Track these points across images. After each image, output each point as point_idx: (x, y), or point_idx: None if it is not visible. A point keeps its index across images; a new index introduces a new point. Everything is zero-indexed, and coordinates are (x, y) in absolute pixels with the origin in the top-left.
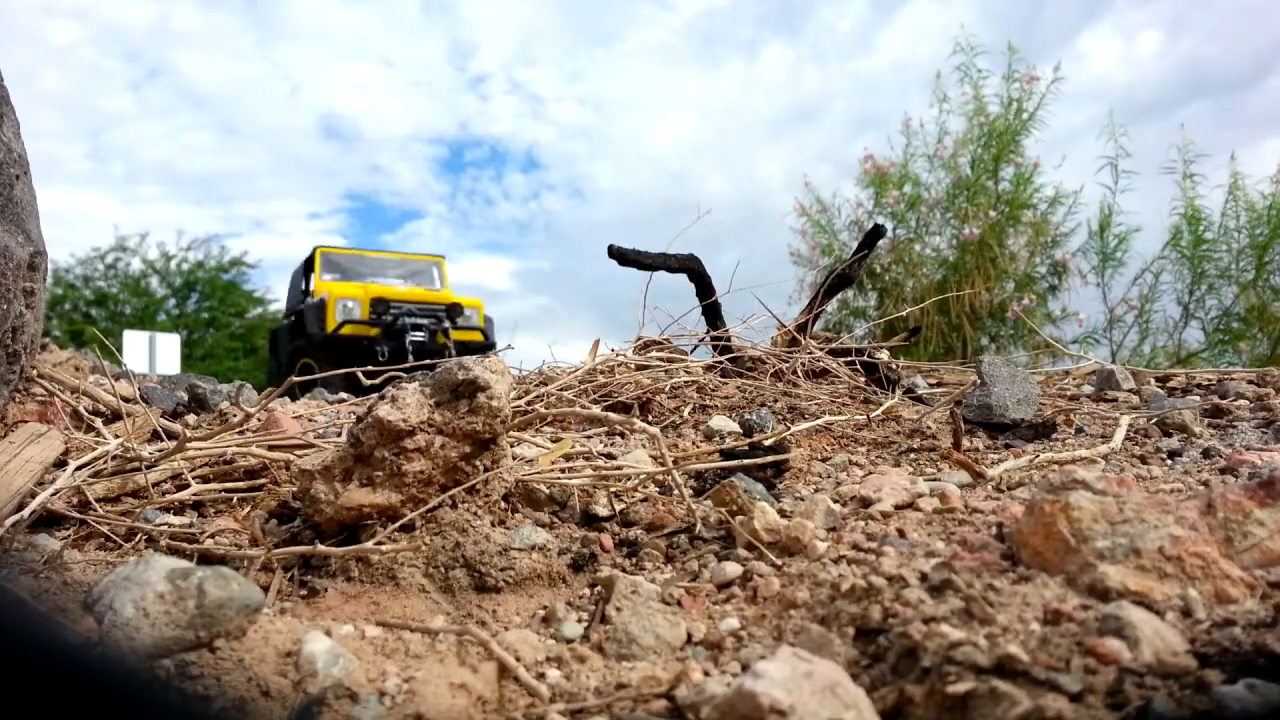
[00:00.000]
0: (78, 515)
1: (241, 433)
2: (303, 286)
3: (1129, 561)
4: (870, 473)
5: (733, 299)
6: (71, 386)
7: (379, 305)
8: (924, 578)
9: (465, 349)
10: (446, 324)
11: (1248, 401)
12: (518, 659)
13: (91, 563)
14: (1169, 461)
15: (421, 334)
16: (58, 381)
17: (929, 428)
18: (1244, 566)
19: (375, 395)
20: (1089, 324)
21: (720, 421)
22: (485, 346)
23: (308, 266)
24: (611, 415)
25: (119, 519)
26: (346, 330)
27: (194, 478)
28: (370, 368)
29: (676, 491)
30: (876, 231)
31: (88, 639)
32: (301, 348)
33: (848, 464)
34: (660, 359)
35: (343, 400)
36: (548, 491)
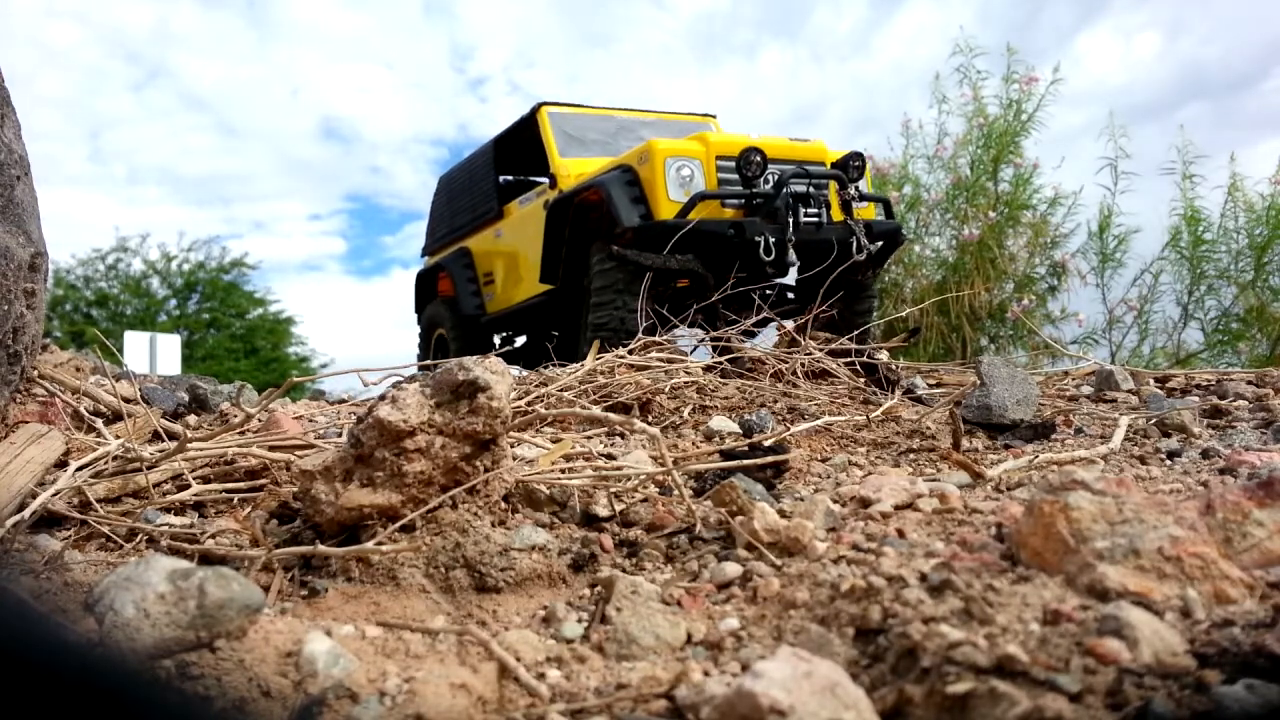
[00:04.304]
0: (78, 516)
1: (242, 433)
2: (494, 181)
3: (1128, 562)
4: (870, 473)
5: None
6: (72, 387)
7: (749, 163)
8: (924, 578)
9: (871, 234)
10: (852, 190)
11: (1247, 402)
12: (518, 659)
13: (92, 563)
14: (1168, 462)
15: (815, 210)
16: (59, 382)
17: (928, 428)
18: (1243, 567)
19: (375, 396)
20: (1088, 324)
21: (720, 422)
22: (893, 233)
23: (510, 141)
24: (611, 416)
25: (120, 519)
26: (700, 211)
27: (195, 478)
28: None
29: (676, 492)
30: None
31: (88, 639)
32: (608, 254)
33: (847, 464)
34: (660, 359)
35: (344, 401)
36: (548, 492)
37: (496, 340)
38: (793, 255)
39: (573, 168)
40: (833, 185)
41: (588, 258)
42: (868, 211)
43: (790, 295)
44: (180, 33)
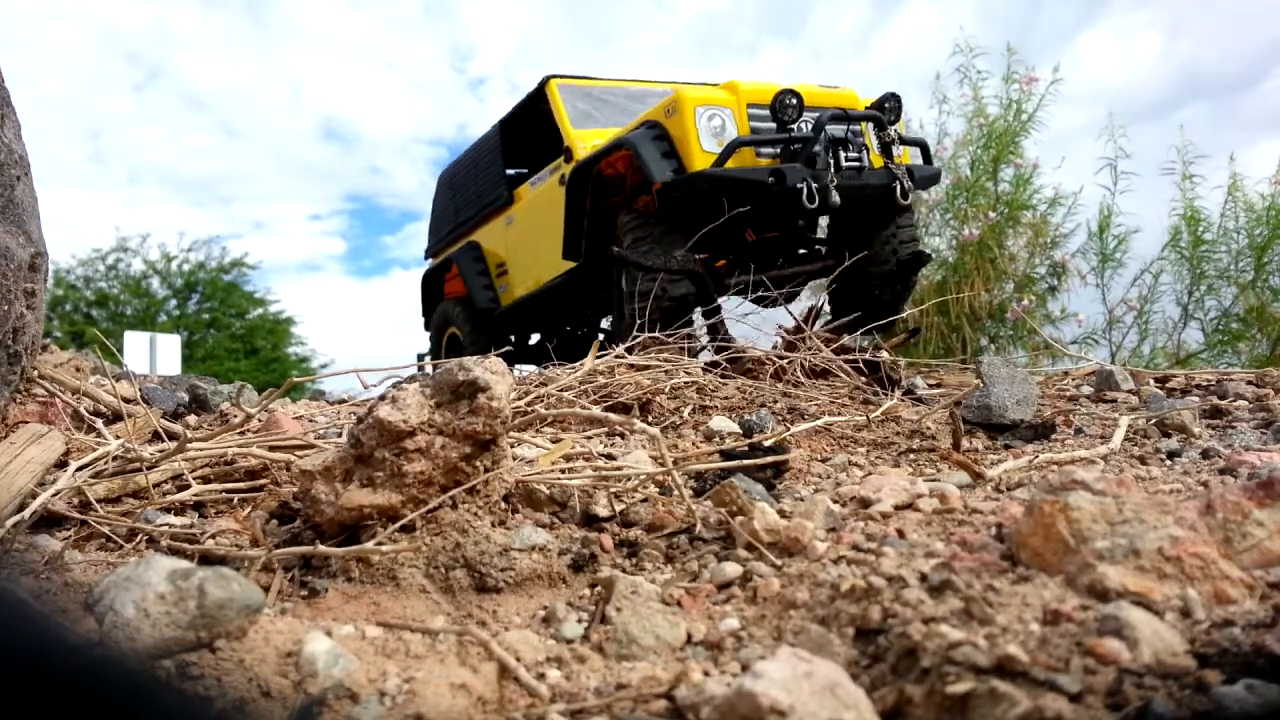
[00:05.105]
0: (79, 516)
1: (242, 433)
2: (502, 167)
3: (1128, 562)
4: (870, 473)
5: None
6: (72, 387)
7: (785, 106)
8: (924, 578)
9: (913, 179)
10: (891, 132)
11: (1247, 402)
12: (518, 659)
13: (92, 563)
14: (1168, 462)
15: (855, 154)
16: (59, 382)
17: (929, 428)
18: (1243, 567)
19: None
20: (1088, 324)
21: (720, 422)
22: (932, 179)
23: (517, 122)
24: (611, 416)
25: (120, 519)
26: (735, 161)
27: (195, 478)
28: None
29: (676, 492)
30: None
31: (88, 639)
32: (638, 220)
33: (847, 464)
34: (660, 360)
35: (344, 401)
36: (548, 492)
37: (512, 338)
38: (836, 197)
39: (587, 139)
40: (868, 133)
41: (612, 229)
42: (905, 157)
43: (821, 250)
44: (180, 33)
